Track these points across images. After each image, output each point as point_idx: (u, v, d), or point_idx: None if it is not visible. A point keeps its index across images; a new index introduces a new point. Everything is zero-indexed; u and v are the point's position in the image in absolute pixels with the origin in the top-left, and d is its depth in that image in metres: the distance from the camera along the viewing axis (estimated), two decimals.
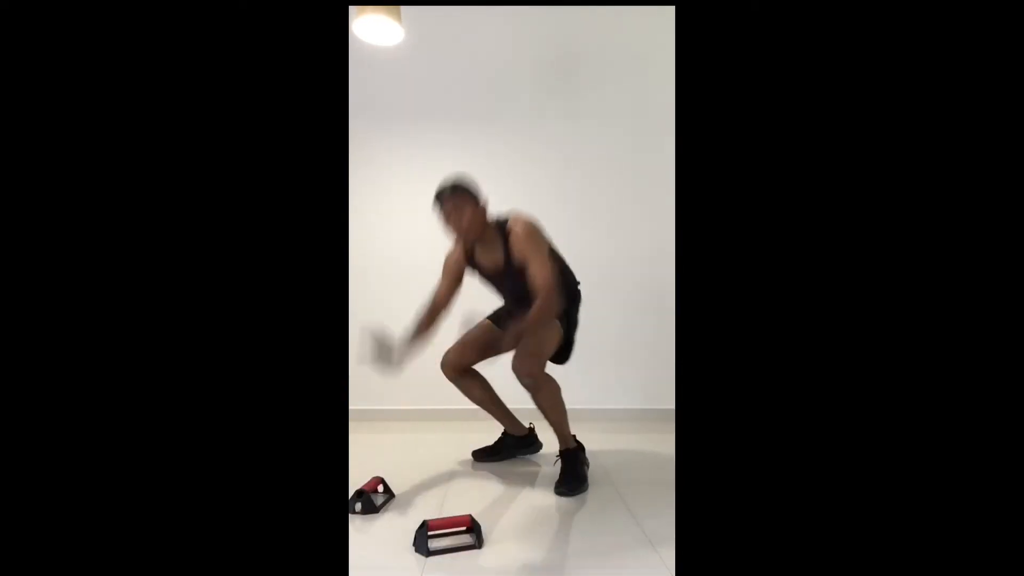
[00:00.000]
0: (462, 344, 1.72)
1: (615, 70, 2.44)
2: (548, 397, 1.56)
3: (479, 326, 1.73)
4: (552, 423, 1.60)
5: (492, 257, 1.62)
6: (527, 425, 1.85)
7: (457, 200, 1.56)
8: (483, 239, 1.61)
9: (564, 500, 1.45)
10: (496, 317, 1.75)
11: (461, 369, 1.73)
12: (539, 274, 1.46)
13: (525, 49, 2.42)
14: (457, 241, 1.65)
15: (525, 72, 2.43)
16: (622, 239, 2.44)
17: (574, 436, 1.63)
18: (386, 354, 1.52)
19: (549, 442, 1.93)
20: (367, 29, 1.71)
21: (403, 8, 1.81)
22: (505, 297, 1.73)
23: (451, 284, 1.70)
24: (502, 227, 1.58)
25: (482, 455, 1.80)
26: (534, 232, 1.53)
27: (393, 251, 2.44)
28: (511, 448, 1.82)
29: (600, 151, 2.46)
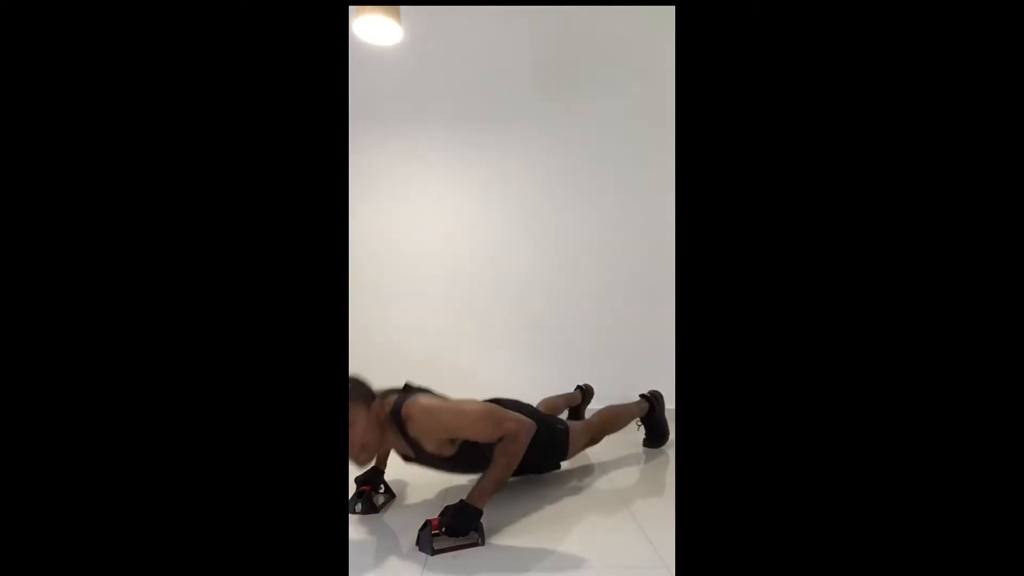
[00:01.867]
0: None
1: (615, 70, 2.44)
2: (618, 415, 1.76)
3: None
4: (626, 421, 1.78)
5: (400, 445, 1.35)
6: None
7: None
8: (385, 437, 1.31)
9: (563, 499, 1.45)
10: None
11: None
12: (470, 423, 1.24)
13: (525, 49, 2.42)
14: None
15: (525, 72, 2.43)
16: (622, 239, 2.44)
17: (643, 396, 1.82)
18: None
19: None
20: (367, 29, 1.71)
21: (403, 8, 1.81)
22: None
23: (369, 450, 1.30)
24: (397, 415, 1.27)
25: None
26: (434, 408, 1.27)
27: (393, 251, 2.44)
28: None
29: (600, 151, 2.46)
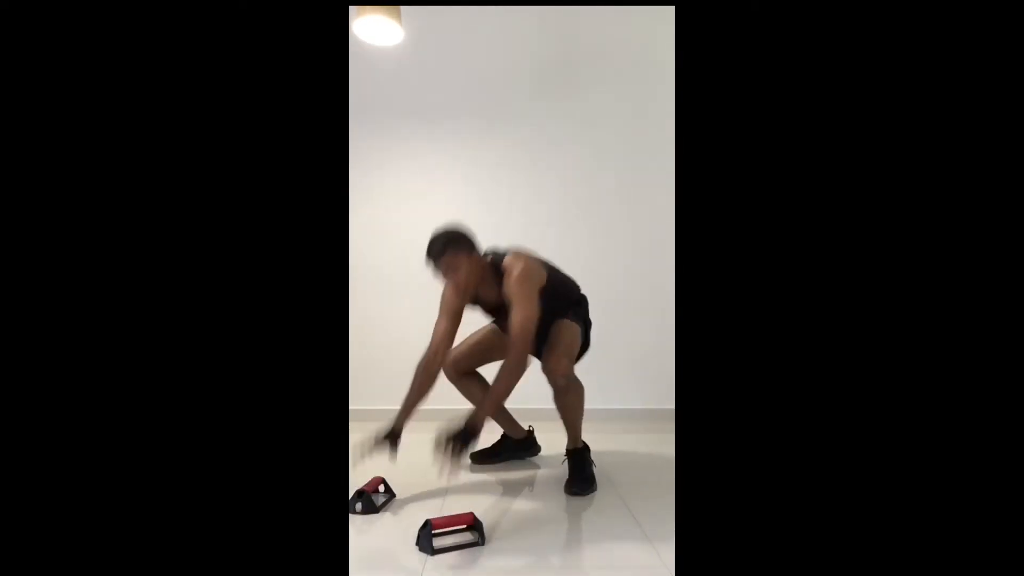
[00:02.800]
0: (466, 347, 1.72)
1: (615, 70, 2.44)
2: (574, 399, 1.58)
3: (482, 330, 1.74)
4: (568, 423, 1.60)
5: (492, 293, 1.57)
6: (526, 428, 1.85)
7: (450, 259, 1.48)
8: (482, 281, 1.56)
9: (564, 499, 1.45)
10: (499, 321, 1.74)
11: (463, 371, 1.73)
12: (517, 320, 1.42)
13: (525, 49, 2.42)
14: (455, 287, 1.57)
15: (525, 72, 2.43)
16: (622, 239, 2.44)
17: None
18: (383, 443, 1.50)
19: (549, 444, 1.94)
20: (367, 29, 1.71)
21: (403, 8, 1.81)
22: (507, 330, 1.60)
23: (451, 321, 1.62)
24: (498, 265, 1.52)
25: (481, 457, 1.79)
26: (527, 275, 1.47)
27: (392, 251, 2.44)
28: (510, 451, 1.82)
29: (600, 151, 2.46)
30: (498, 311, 1.63)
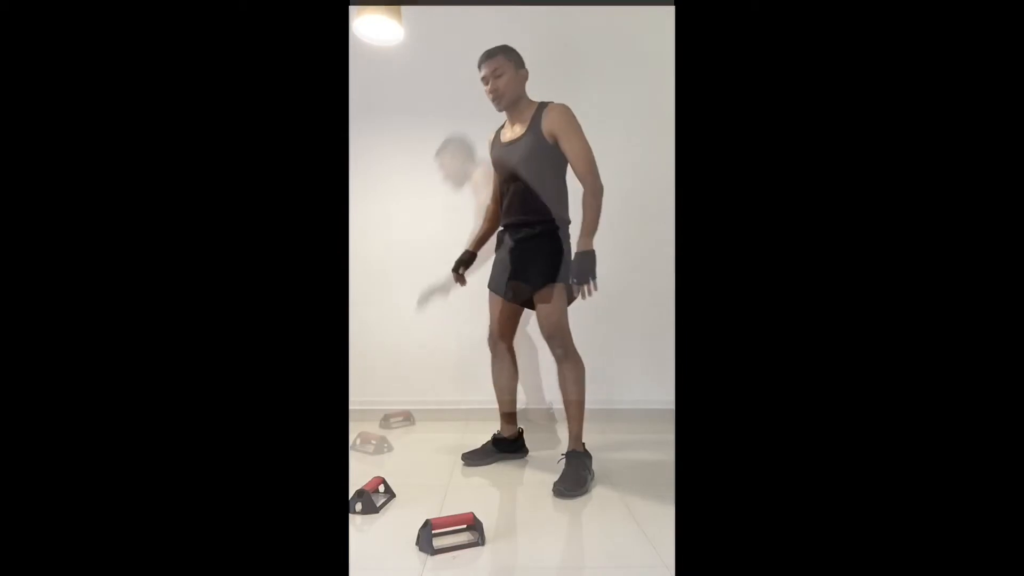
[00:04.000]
0: (496, 319, 1.78)
1: (615, 70, 2.43)
2: (573, 371, 1.63)
3: (492, 301, 1.79)
4: (568, 408, 1.62)
5: (515, 130, 1.68)
6: (518, 429, 1.87)
7: (499, 62, 1.63)
8: (515, 109, 1.67)
9: (563, 499, 1.45)
10: (495, 285, 1.78)
11: (511, 340, 1.79)
12: (580, 155, 1.57)
13: (525, 49, 2.40)
14: (495, 100, 1.69)
15: None
16: (622, 238, 2.44)
17: (583, 444, 1.63)
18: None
19: (550, 442, 1.94)
20: (367, 29, 1.71)
21: (403, 8, 1.81)
22: (501, 181, 1.75)
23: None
24: (540, 105, 1.64)
25: (471, 458, 1.79)
26: (573, 117, 1.60)
27: (393, 251, 2.44)
28: (502, 451, 1.83)
29: (599, 151, 2.45)
30: (507, 148, 1.69)
